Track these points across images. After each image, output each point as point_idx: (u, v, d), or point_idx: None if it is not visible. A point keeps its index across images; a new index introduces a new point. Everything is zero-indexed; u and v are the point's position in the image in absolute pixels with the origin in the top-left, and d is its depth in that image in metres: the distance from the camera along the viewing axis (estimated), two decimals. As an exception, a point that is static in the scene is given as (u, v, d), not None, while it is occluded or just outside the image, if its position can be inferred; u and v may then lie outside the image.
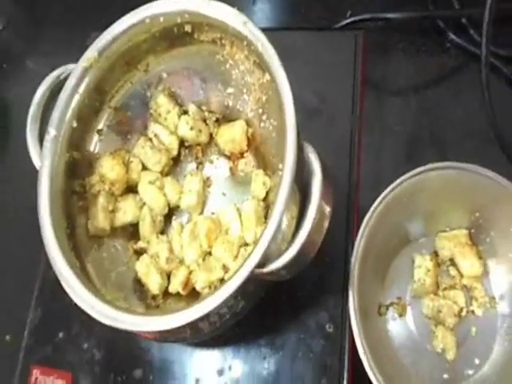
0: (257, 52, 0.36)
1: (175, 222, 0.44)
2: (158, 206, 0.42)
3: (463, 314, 0.44)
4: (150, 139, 0.44)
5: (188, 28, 0.40)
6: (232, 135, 0.42)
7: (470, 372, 0.43)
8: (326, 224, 0.34)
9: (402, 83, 0.55)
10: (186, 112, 0.44)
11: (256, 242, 0.32)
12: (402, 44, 0.56)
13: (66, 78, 0.40)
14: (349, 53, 0.48)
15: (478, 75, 0.46)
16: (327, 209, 0.34)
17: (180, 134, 0.43)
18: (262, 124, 0.42)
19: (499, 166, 0.44)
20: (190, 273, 0.40)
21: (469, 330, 0.44)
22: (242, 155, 0.43)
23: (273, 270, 0.32)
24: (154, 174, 0.42)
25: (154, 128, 0.44)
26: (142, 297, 0.40)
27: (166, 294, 0.40)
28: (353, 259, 0.41)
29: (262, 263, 0.31)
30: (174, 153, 0.44)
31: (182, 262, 0.41)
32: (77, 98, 0.40)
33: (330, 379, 0.40)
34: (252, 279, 0.31)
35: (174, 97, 0.45)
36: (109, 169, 0.40)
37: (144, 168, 0.43)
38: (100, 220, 0.40)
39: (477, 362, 0.43)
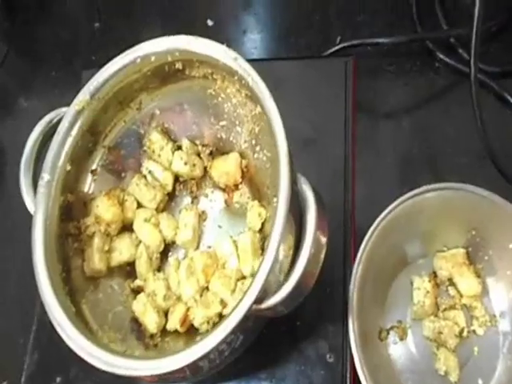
0: (247, 86, 0.37)
1: (171, 258, 0.44)
2: (154, 244, 0.42)
3: (464, 334, 0.44)
4: (145, 176, 0.45)
5: (179, 65, 0.41)
6: (226, 168, 0.43)
7: (474, 392, 0.42)
8: (323, 255, 0.35)
9: (394, 105, 0.56)
10: (179, 147, 0.45)
11: (254, 275, 0.33)
12: (392, 67, 0.57)
13: (58, 122, 0.41)
14: (339, 79, 0.49)
15: (469, 93, 0.47)
16: (323, 240, 0.35)
17: (174, 169, 0.44)
18: (256, 155, 0.43)
19: (493, 182, 0.45)
20: (188, 309, 0.40)
21: (471, 350, 0.44)
22: (236, 187, 0.44)
23: (271, 306, 0.32)
24: (149, 211, 0.43)
25: (148, 165, 0.45)
26: (139, 336, 0.40)
27: (163, 332, 0.41)
28: (351, 286, 0.41)
29: (260, 298, 0.32)
30: (169, 188, 0.45)
31: (179, 298, 0.41)
32: (70, 140, 0.41)
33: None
34: (250, 315, 0.31)
35: (167, 133, 0.46)
36: (104, 210, 0.40)
37: (139, 206, 0.44)
38: (96, 261, 0.40)
39: (480, 382, 0.43)
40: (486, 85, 0.55)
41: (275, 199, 0.34)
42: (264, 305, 0.32)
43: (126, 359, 0.33)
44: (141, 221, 0.42)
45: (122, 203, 0.42)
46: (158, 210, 0.44)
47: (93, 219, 0.41)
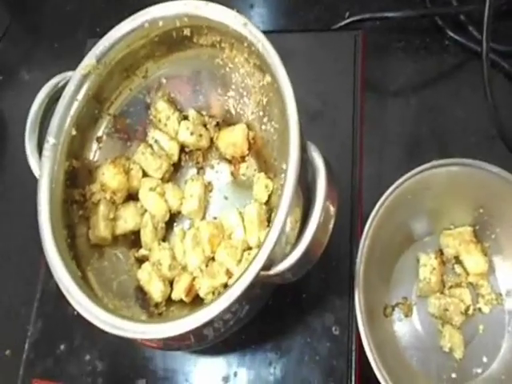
0: (257, 53, 0.36)
1: (177, 229, 0.44)
2: (159, 213, 0.42)
3: (470, 312, 0.44)
4: (151, 146, 0.44)
5: (187, 32, 0.40)
6: (233, 139, 0.42)
7: (479, 370, 0.43)
8: (332, 224, 0.34)
9: (402, 82, 0.55)
10: (186, 117, 0.44)
11: (260, 246, 0.32)
12: (401, 43, 0.57)
13: (64, 86, 0.40)
14: (348, 53, 0.49)
15: (478, 72, 0.46)
16: (332, 209, 0.34)
17: (180, 139, 0.44)
18: (264, 127, 0.42)
19: (502, 161, 0.45)
20: (193, 279, 0.40)
21: (476, 327, 0.44)
22: (243, 159, 0.43)
23: (278, 272, 0.32)
24: (154, 181, 0.43)
25: (154, 134, 0.44)
26: (144, 305, 0.40)
27: (168, 301, 0.41)
28: (358, 260, 0.41)
29: (267, 266, 0.31)
30: (175, 158, 0.44)
31: (184, 268, 0.41)
32: (75, 105, 0.40)
33: (337, 382, 0.40)
34: (257, 283, 0.32)
35: (173, 102, 0.45)
36: (110, 177, 0.40)
37: (144, 175, 0.43)
38: (101, 229, 0.40)
39: (485, 359, 0.43)
40: (495, 64, 0.54)
41: (283, 168, 0.34)
42: (272, 271, 0.32)
43: (132, 322, 0.33)
44: (146, 190, 0.42)
45: (127, 172, 0.42)
46: (164, 180, 0.44)
47: (98, 186, 0.41)
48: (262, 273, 0.31)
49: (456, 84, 0.55)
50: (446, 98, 0.54)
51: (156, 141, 0.44)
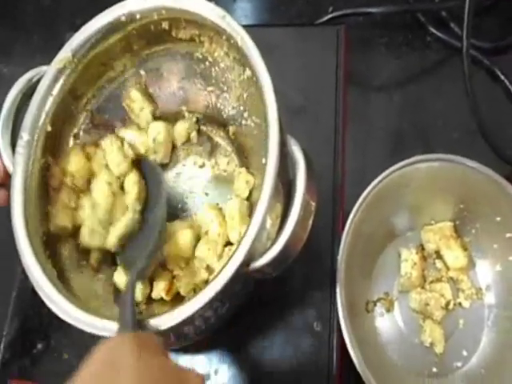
0: (236, 46, 0.36)
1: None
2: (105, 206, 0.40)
3: (450, 306, 0.45)
4: (122, 141, 0.43)
5: (165, 25, 0.40)
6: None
7: (459, 364, 0.43)
8: (311, 219, 0.34)
9: (385, 78, 0.55)
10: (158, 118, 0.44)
11: (240, 241, 0.32)
12: (384, 39, 0.57)
13: (38, 81, 0.39)
14: (331, 48, 0.49)
15: (460, 68, 0.47)
16: (312, 204, 0.34)
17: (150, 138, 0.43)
18: (244, 122, 0.42)
19: (483, 157, 0.45)
20: (174, 277, 0.39)
21: (456, 322, 0.44)
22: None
23: (258, 267, 0.31)
24: (112, 176, 0.41)
25: (125, 131, 0.43)
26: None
27: (149, 300, 0.40)
28: (339, 255, 0.41)
29: (246, 261, 0.31)
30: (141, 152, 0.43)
31: (163, 266, 0.40)
32: (51, 100, 0.40)
33: (319, 377, 0.39)
34: (237, 278, 0.31)
35: (148, 94, 0.44)
36: (71, 161, 0.39)
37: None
38: (60, 217, 0.39)
39: (465, 353, 0.44)
40: (477, 60, 0.54)
41: (263, 165, 0.34)
42: (251, 267, 0.31)
43: (108, 321, 0.32)
44: (102, 181, 0.40)
45: (89, 158, 0.41)
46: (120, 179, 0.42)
47: (59, 170, 0.39)
48: (242, 268, 0.31)
49: (438, 80, 0.55)
50: (429, 93, 0.55)
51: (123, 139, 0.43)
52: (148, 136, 0.43)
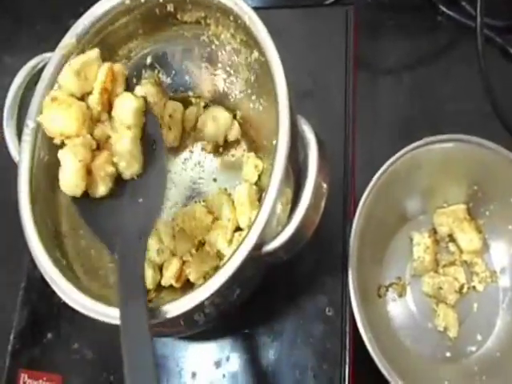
0: (244, 27, 0.36)
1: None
2: None
3: (464, 290, 0.44)
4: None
5: (170, 7, 0.40)
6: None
7: (473, 349, 0.43)
8: (324, 201, 0.34)
9: (395, 60, 0.55)
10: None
11: (251, 226, 0.31)
12: (394, 20, 0.56)
13: (43, 68, 0.38)
14: (340, 29, 0.48)
15: (472, 48, 0.46)
16: (324, 186, 0.34)
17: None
18: (252, 105, 0.42)
19: (496, 138, 0.44)
20: (183, 263, 0.39)
21: (470, 306, 0.44)
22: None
23: (270, 251, 0.31)
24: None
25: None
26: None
27: (158, 287, 0.40)
28: (351, 241, 0.40)
29: (258, 245, 0.31)
30: None
31: (173, 253, 0.40)
32: (56, 87, 0.38)
33: (331, 364, 0.40)
34: (249, 262, 0.31)
35: (160, 85, 0.43)
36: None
37: None
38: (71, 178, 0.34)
39: (479, 338, 0.43)
40: (489, 39, 0.53)
41: (272, 148, 0.33)
42: (263, 250, 0.31)
43: (116, 308, 0.32)
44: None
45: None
46: None
47: None
48: (254, 252, 0.31)
49: (449, 61, 0.54)
50: (439, 75, 0.54)
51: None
52: (164, 112, 0.43)
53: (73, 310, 0.33)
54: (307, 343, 0.41)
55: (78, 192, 0.34)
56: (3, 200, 0.44)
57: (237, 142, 0.43)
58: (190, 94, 0.44)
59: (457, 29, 0.55)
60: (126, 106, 0.36)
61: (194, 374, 0.42)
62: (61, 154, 0.34)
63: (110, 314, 0.33)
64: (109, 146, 0.36)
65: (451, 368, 0.42)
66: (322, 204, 0.33)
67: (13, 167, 0.38)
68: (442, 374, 0.42)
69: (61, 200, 0.39)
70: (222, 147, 0.43)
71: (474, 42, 0.46)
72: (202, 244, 0.40)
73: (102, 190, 0.35)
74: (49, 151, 0.38)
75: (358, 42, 0.49)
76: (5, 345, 0.46)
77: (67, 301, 0.34)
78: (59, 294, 0.34)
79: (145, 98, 0.37)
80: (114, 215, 0.35)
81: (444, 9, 0.55)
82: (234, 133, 0.42)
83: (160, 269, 0.40)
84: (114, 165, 0.35)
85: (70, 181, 0.34)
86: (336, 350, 0.40)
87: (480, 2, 0.45)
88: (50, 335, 0.45)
